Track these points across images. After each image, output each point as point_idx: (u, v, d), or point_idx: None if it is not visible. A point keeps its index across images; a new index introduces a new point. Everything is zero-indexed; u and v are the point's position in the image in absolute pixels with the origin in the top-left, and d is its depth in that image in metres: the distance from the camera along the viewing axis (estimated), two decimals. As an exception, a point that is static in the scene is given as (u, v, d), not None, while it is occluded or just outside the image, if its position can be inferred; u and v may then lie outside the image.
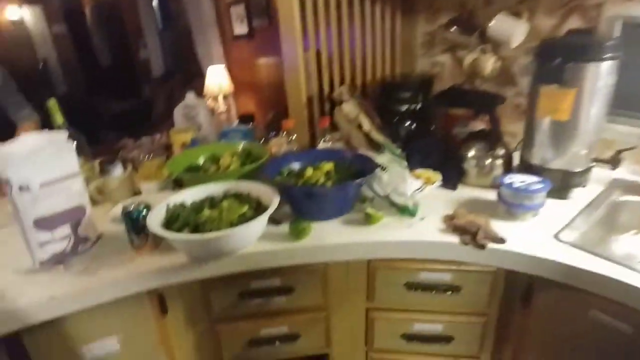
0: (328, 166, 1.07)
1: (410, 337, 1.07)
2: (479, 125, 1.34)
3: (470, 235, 0.91)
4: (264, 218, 0.88)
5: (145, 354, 1.01)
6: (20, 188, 0.85)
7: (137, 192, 1.24)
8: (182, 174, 1.16)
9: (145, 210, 0.92)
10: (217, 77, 3.01)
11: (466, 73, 1.48)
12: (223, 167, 1.18)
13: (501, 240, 0.90)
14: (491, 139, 1.19)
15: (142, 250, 0.94)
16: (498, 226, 0.96)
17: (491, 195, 1.12)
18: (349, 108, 1.36)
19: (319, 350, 1.14)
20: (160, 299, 0.98)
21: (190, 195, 1.02)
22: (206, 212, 0.92)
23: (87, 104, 4.43)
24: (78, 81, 4.57)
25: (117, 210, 1.06)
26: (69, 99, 4.36)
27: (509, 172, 1.16)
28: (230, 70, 3.12)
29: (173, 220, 0.92)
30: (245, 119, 1.56)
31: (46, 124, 1.22)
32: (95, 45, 4.63)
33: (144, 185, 1.21)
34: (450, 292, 0.99)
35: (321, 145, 1.32)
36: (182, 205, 0.98)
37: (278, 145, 1.43)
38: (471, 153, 1.20)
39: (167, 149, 1.54)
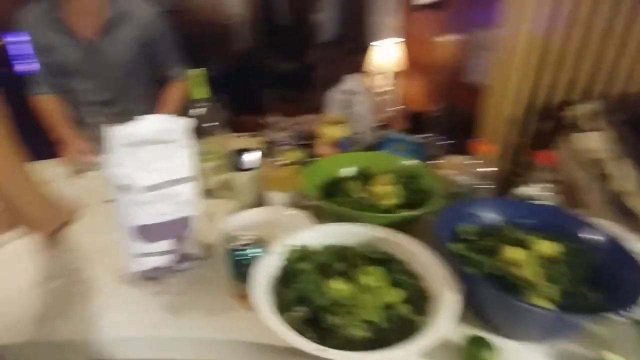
0: (550, 248, 0.62)
1: None
2: None
3: None
4: (430, 340, 0.50)
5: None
6: (120, 187, 0.67)
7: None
8: (320, 195, 0.85)
9: (255, 252, 0.65)
10: (385, 54, 2.63)
11: None
12: (377, 196, 0.83)
13: None
14: None
15: (246, 303, 0.68)
16: None
17: None
18: (593, 143, 0.83)
19: None
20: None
21: (321, 235, 0.71)
22: (336, 284, 0.59)
23: (260, 62, 4.61)
24: (257, 40, 4.79)
25: (235, 220, 0.82)
26: (245, 56, 4.60)
27: None
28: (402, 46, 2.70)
29: (289, 277, 0.63)
30: (415, 120, 1.17)
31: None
32: (276, 5, 4.75)
33: (271, 192, 0.95)
34: None
35: (528, 191, 0.84)
36: (309, 252, 0.67)
37: (454, 166, 1.00)
38: None
39: (311, 137, 1.26)
